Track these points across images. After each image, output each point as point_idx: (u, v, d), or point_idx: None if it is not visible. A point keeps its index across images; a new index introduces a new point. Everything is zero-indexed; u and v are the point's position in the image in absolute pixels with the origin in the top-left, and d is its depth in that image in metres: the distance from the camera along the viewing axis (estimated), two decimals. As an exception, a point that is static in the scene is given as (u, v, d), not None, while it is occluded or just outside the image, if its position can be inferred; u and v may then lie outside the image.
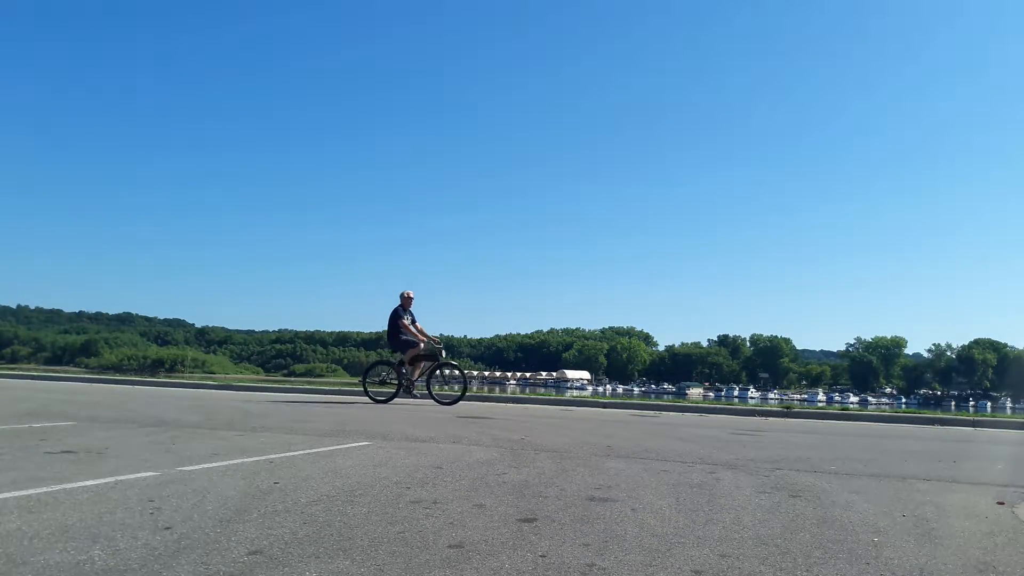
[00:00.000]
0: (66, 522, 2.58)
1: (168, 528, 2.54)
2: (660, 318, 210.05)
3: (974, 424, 10.84)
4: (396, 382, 11.29)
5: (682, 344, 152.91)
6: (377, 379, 11.68)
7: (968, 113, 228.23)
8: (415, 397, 11.39)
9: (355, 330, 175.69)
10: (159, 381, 20.06)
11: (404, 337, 11.35)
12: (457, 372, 12.50)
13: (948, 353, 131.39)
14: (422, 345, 11.34)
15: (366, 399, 11.48)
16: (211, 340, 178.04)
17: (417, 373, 11.33)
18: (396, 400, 11.23)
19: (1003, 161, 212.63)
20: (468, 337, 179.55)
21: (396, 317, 11.45)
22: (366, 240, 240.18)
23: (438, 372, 11.77)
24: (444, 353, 11.73)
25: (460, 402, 11.23)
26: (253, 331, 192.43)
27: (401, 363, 11.33)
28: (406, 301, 11.57)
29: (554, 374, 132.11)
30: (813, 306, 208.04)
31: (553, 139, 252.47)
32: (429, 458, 4.58)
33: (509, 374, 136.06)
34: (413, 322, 11.48)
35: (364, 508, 2.99)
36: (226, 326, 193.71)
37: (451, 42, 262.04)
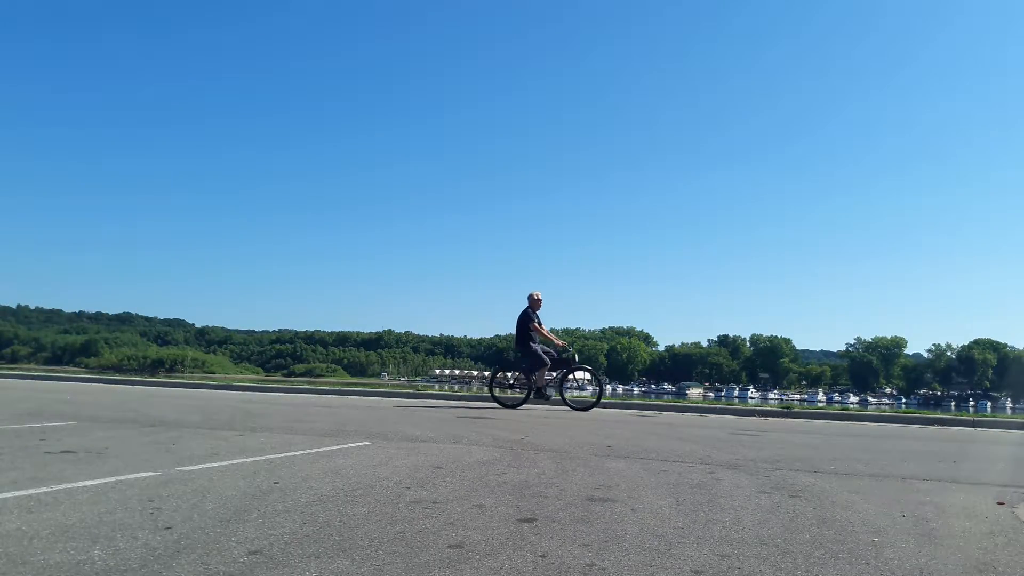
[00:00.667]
0: (66, 522, 2.58)
1: (168, 528, 2.54)
2: (660, 318, 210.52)
3: (974, 424, 10.83)
4: (525, 387, 10.89)
5: (682, 344, 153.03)
6: (505, 384, 11.29)
7: (968, 113, 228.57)
8: (545, 402, 11.00)
9: (355, 330, 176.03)
10: (159, 381, 20.05)
11: (535, 341, 10.91)
12: (591, 376, 11.89)
13: (948, 353, 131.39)
14: (549, 365, 10.84)
15: (365, 400, 11.46)
16: (211, 340, 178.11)
17: (547, 377, 10.89)
18: (501, 404, 10.84)
19: (1003, 161, 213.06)
20: (468, 337, 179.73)
21: (527, 320, 10.92)
22: (366, 240, 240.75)
23: (570, 377, 11.35)
24: (576, 357, 11.26)
25: (595, 408, 10.73)
26: (253, 331, 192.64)
27: (530, 367, 10.86)
28: (535, 303, 11.08)
29: (554, 374, 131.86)
30: (813, 306, 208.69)
31: (553, 139, 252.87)
32: (429, 458, 4.58)
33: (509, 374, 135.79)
34: (540, 324, 11.03)
35: (364, 508, 2.99)
36: (226, 326, 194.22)
37: (450, 44, 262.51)
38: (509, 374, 11.43)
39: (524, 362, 11.01)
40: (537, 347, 10.88)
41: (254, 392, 14.48)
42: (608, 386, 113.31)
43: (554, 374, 11.00)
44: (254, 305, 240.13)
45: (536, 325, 10.92)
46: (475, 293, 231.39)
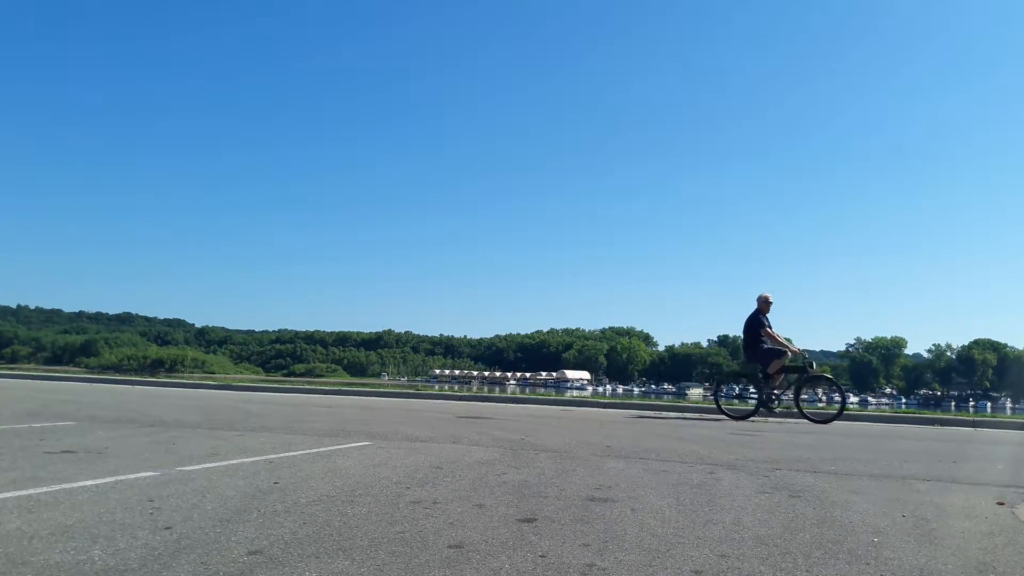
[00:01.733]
0: (66, 522, 2.58)
1: (168, 528, 2.54)
2: (660, 318, 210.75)
3: (974, 424, 10.83)
4: (756, 397, 10.13)
5: (682, 344, 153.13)
6: (732, 393, 10.67)
7: (968, 114, 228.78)
8: (775, 414, 10.18)
9: (355, 330, 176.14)
10: (159, 381, 20.06)
11: (768, 346, 10.04)
12: (833, 387, 10.83)
13: (948, 353, 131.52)
14: (790, 355, 10.00)
15: (365, 400, 11.46)
16: (211, 340, 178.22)
17: (779, 386, 10.07)
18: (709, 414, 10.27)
19: (1003, 162, 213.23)
20: (468, 337, 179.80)
21: (757, 324, 10.11)
22: (366, 240, 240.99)
23: (808, 387, 10.55)
24: (814, 365, 10.32)
25: (836, 421, 9.77)
26: (253, 331, 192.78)
27: (762, 376, 10.04)
28: (765, 305, 10.25)
29: (554, 374, 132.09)
30: (813, 306, 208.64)
31: (553, 140, 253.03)
32: (429, 458, 4.58)
33: (509, 374, 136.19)
34: (772, 328, 10.19)
35: (364, 508, 2.99)
36: (226, 326, 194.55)
37: (451, 44, 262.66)
38: (741, 382, 10.73)
39: (754, 370, 10.23)
40: (773, 345, 10.11)
41: (254, 392, 14.49)
42: (608, 386, 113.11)
43: (786, 378, 10.17)
44: (254, 305, 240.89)
45: (768, 330, 10.08)
46: (475, 293, 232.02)
